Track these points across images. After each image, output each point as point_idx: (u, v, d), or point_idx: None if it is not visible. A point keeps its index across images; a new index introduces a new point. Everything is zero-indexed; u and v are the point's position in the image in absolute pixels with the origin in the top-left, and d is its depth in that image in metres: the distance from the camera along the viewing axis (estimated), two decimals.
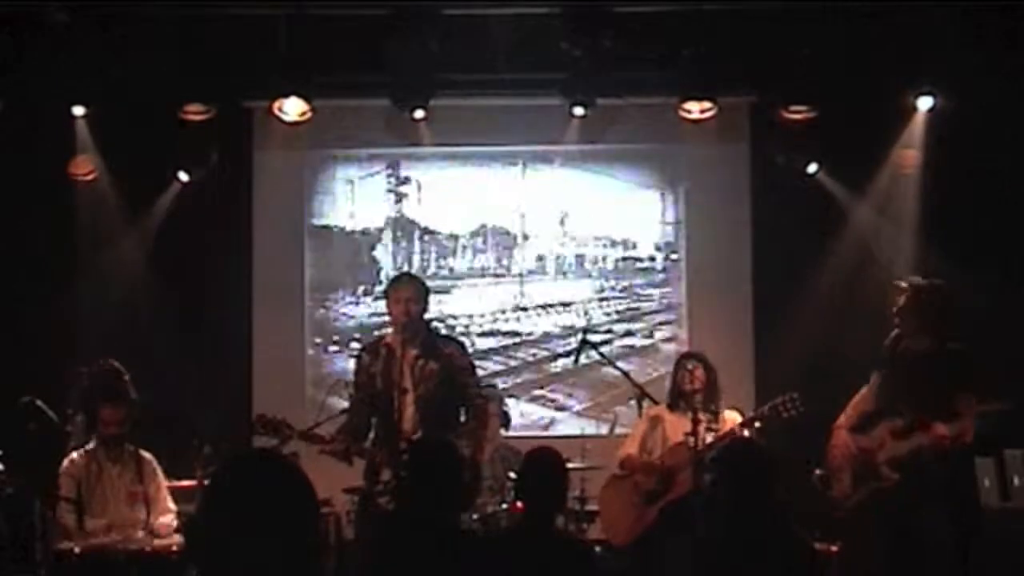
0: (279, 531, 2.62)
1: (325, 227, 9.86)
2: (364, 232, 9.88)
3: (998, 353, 7.26)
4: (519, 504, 6.28)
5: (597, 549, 6.89)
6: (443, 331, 8.55)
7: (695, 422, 6.93)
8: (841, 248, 9.47)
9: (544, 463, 5.50)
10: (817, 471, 6.72)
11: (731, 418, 7.31)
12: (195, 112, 8.91)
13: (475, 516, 7.21)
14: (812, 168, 9.23)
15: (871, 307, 9.08)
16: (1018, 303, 8.66)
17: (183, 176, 9.29)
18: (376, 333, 9.13)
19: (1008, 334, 8.26)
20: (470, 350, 7.20)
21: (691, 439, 6.91)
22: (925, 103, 8.82)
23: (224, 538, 2.61)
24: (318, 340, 9.79)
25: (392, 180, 9.89)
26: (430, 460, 5.35)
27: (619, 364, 8.19)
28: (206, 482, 6.79)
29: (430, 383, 6.58)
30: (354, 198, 9.88)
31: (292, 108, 8.66)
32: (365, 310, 9.76)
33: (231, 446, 7.13)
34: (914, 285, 6.67)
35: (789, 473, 5.66)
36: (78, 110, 8.92)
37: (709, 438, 7.00)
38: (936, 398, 6.45)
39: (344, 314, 9.81)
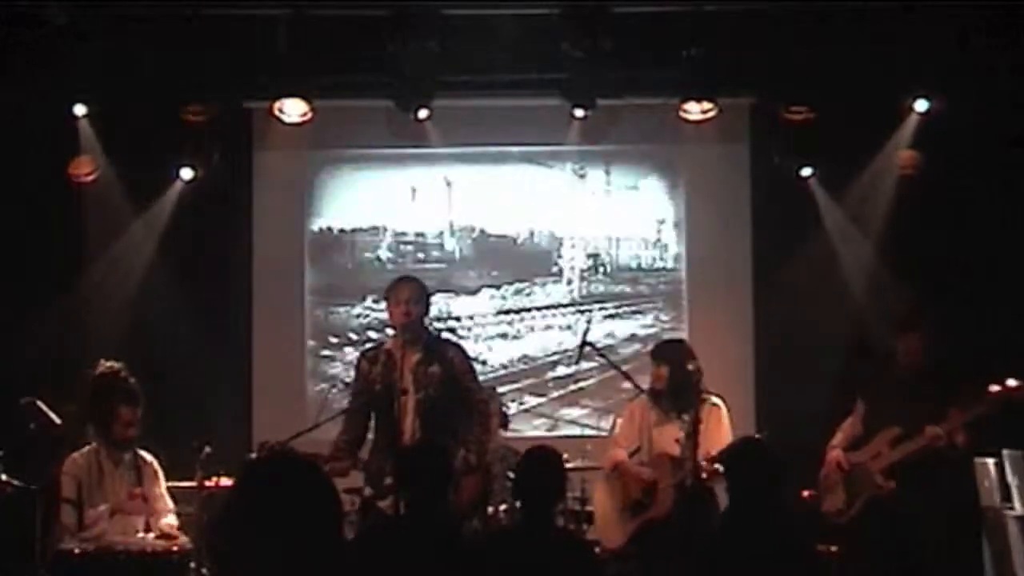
0: (303, 532, 2.63)
1: (325, 227, 9.86)
2: (364, 232, 9.87)
3: (984, 357, 7.39)
4: (518, 504, 6.27)
5: (597, 549, 6.88)
6: (444, 334, 8.54)
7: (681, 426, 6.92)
8: (841, 248, 9.46)
9: (541, 461, 5.49)
10: (805, 492, 6.87)
11: (715, 406, 7.21)
12: (196, 112, 8.91)
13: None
14: (810, 169, 9.25)
15: (870, 306, 9.14)
16: (1012, 307, 8.68)
17: (184, 176, 9.29)
18: (375, 336, 9.13)
19: (999, 337, 8.30)
20: (470, 353, 7.16)
21: (676, 445, 6.90)
22: (921, 105, 8.89)
23: (248, 539, 2.63)
24: (318, 340, 9.78)
25: (391, 181, 9.88)
26: (421, 463, 5.36)
27: (619, 364, 8.20)
28: (216, 482, 6.84)
29: (431, 387, 6.51)
30: (354, 198, 9.87)
31: (292, 108, 8.67)
32: (365, 310, 9.75)
33: (230, 447, 7.13)
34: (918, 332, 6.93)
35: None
36: (79, 110, 8.94)
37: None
38: (929, 410, 6.70)
39: (344, 314, 9.80)
